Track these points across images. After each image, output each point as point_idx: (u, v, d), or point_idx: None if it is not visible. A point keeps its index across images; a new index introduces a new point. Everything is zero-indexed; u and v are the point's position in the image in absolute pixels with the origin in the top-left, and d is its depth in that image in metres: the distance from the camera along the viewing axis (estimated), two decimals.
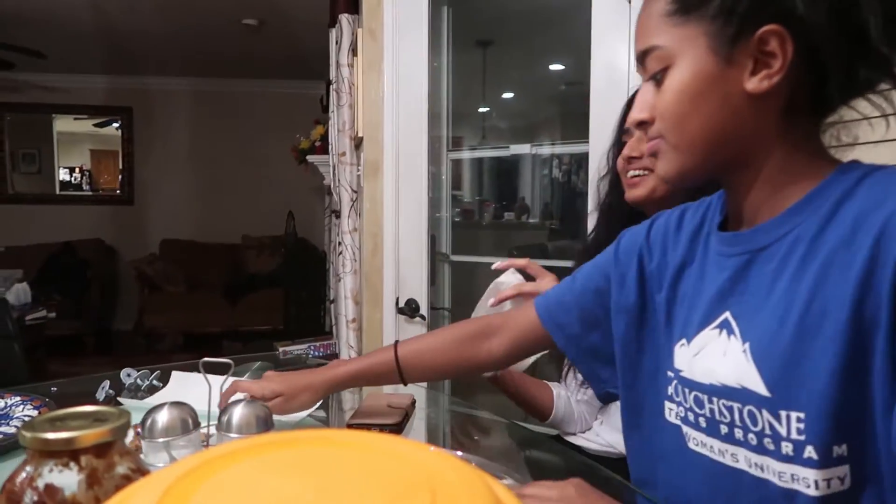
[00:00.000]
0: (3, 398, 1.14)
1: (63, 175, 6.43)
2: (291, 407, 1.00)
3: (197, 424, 0.77)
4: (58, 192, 6.38)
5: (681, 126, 0.66)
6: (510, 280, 1.16)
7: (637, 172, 1.18)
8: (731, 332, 0.66)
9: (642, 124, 0.70)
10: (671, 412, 0.75)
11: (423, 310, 2.14)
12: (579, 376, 1.32)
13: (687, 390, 0.70)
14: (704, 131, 0.65)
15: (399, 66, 2.12)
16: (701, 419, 0.69)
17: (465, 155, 2.58)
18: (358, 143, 2.39)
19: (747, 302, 0.65)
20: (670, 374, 0.74)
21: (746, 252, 0.67)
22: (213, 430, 0.81)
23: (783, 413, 0.60)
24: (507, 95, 2.95)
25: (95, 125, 6.38)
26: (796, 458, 0.60)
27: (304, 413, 1.06)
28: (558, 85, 2.84)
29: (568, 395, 1.37)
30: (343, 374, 1.02)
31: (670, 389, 0.74)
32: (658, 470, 0.78)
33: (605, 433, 1.33)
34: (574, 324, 0.89)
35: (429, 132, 2.11)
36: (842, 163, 0.66)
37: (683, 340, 0.72)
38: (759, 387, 0.62)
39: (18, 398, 1.13)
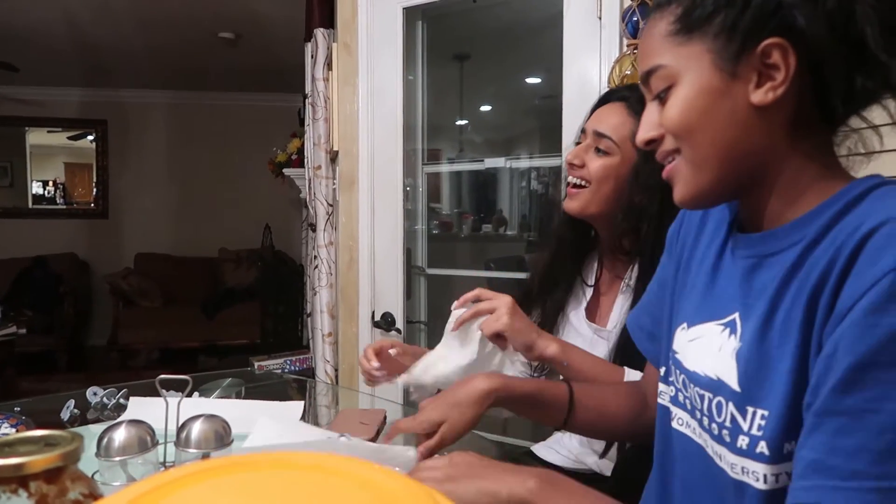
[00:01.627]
0: None
1: (36, 188, 6.33)
2: (459, 429, 0.88)
3: (155, 443, 0.76)
4: (30, 205, 6.28)
5: (692, 140, 0.67)
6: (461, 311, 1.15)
7: (575, 181, 1.21)
8: (734, 331, 0.69)
9: (651, 143, 0.71)
10: (663, 394, 0.79)
11: (399, 323, 2.13)
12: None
13: (678, 372, 0.75)
14: (716, 147, 0.66)
15: (374, 80, 2.13)
16: (687, 401, 0.74)
17: (442, 168, 2.58)
18: (333, 157, 2.38)
19: (750, 305, 0.68)
20: (669, 354, 0.78)
21: (755, 256, 0.69)
22: (171, 447, 0.80)
23: (749, 409, 0.64)
24: (485, 108, 2.97)
25: (70, 138, 6.29)
26: (749, 452, 0.63)
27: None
28: (534, 98, 2.86)
29: None
30: (514, 389, 0.90)
31: (664, 371, 0.78)
32: (660, 464, 0.81)
33: (566, 441, 1.34)
34: (644, 316, 0.92)
35: (404, 146, 2.12)
36: (856, 177, 0.67)
37: (685, 324, 0.76)
38: (732, 381, 0.66)
39: None
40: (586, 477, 1.25)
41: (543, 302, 1.32)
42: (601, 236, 1.29)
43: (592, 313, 1.30)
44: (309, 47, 2.49)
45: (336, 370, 2.36)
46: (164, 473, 0.40)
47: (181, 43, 4.59)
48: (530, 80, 2.78)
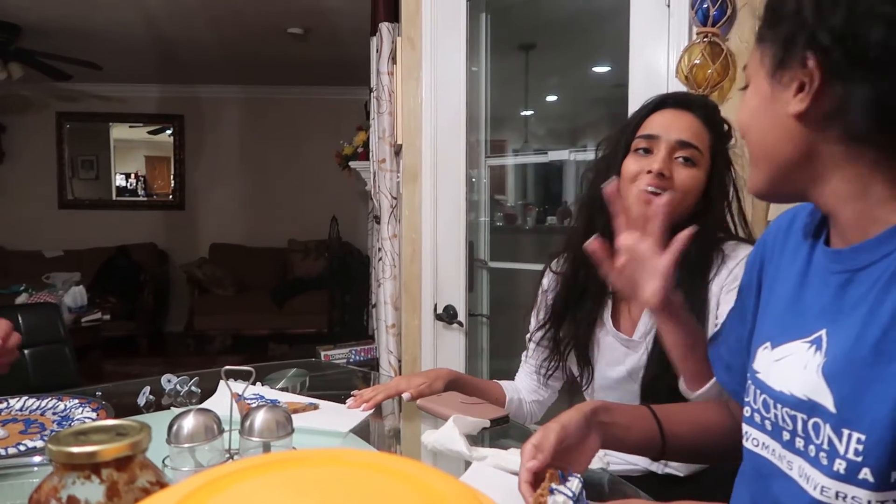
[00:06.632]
0: (61, 401, 1.17)
1: (119, 181, 6.65)
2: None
3: (220, 431, 0.79)
4: (114, 197, 6.60)
5: (747, 138, 0.73)
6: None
7: (653, 189, 1.12)
8: (819, 348, 0.67)
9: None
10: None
11: (461, 316, 2.14)
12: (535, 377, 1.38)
13: (758, 392, 0.74)
14: (761, 148, 0.71)
15: (437, 73, 2.13)
16: (766, 422, 0.73)
17: (505, 161, 2.57)
18: (397, 151, 2.41)
19: (841, 321, 0.66)
20: (748, 373, 0.77)
21: (847, 271, 0.67)
22: (235, 435, 0.84)
23: (845, 431, 0.62)
24: (551, 98, 2.93)
25: (149, 132, 6.58)
26: (849, 478, 0.61)
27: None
28: (602, 88, 2.80)
29: (521, 398, 1.39)
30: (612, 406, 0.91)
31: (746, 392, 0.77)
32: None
33: None
34: (722, 346, 0.92)
35: (467, 137, 2.12)
36: None
37: (768, 344, 0.75)
38: (827, 402, 0.64)
39: (76, 401, 1.17)
40: (651, 478, 1.21)
41: (574, 316, 1.27)
42: None
43: (616, 322, 1.24)
44: (374, 41, 2.52)
45: (399, 361, 2.39)
46: (224, 466, 0.42)
47: (252, 40, 4.72)
48: (597, 69, 2.72)
